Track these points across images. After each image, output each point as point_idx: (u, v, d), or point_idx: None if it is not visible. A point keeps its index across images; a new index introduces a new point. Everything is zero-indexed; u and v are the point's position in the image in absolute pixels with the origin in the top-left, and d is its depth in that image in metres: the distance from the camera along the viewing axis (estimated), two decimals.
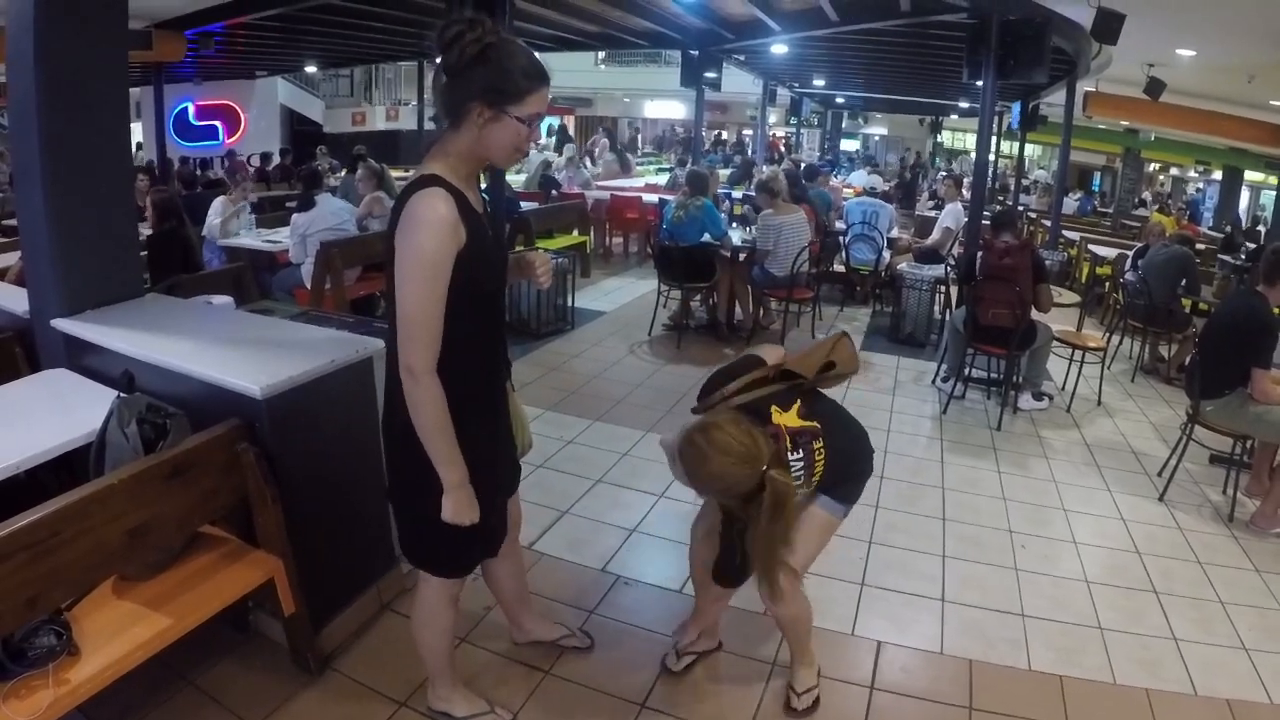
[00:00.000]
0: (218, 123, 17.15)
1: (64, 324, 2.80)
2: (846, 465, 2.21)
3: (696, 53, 10.29)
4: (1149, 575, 3.33)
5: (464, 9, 5.62)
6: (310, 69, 15.75)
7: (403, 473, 1.91)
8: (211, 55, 10.19)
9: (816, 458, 2.08)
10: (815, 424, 2.10)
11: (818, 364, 2.18)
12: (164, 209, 4.81)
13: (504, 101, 1.69)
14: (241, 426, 2.23)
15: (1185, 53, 8.87)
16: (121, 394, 2.24)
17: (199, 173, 12.25)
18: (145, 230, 4.58)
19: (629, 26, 9.68)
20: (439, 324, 1.72)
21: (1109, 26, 6.15)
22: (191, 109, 16.71)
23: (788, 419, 2.06)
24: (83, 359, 2.79)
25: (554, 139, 18.54)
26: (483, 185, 1.99)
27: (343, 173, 12.37)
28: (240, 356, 2.50)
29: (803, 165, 10.73)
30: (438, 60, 1.70)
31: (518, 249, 6.99)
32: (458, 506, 1.83)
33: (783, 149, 21.53)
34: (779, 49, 10.44)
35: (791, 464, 2.02)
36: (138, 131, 15.48)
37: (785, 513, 1.86)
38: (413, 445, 1.79)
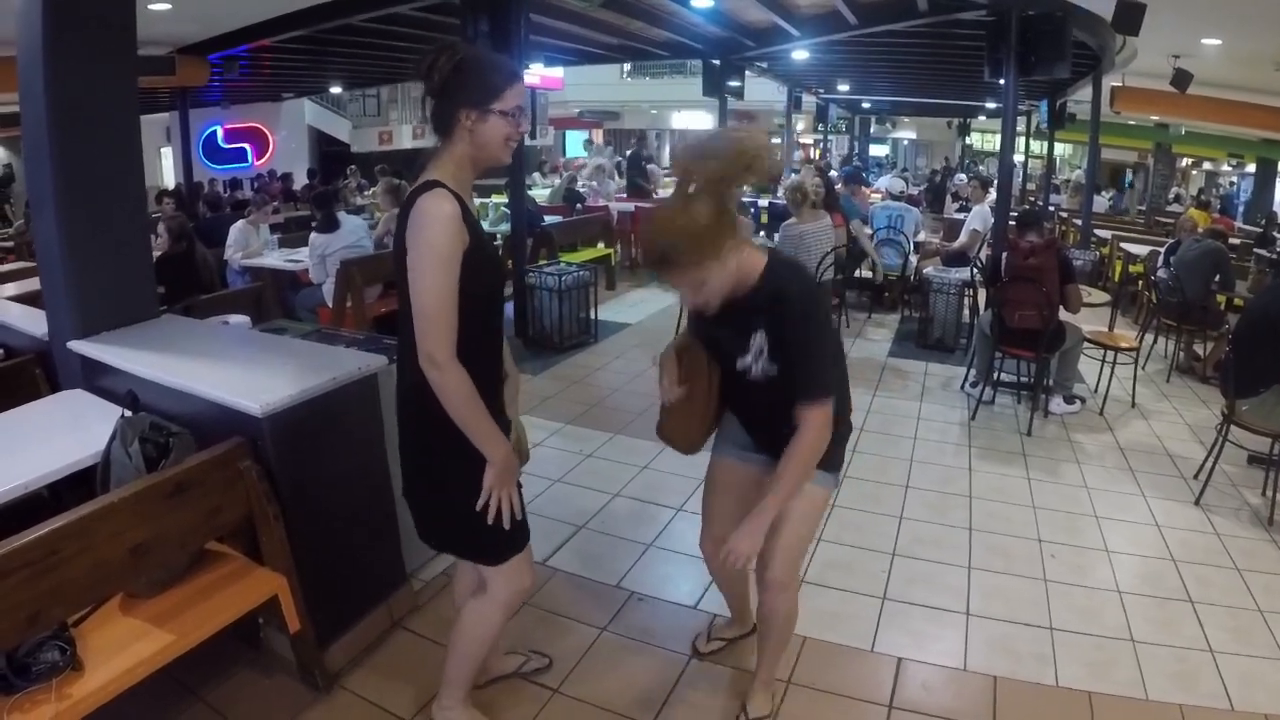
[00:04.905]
0: (246, 145, 17.48)
1: (80, 346, 2.84)
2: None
3: (718, 62, 10.27)
4: (1184, 584, 3.20)
5: (477, 24, 5.68)
6: (336, 89, 15.98)
7: (430, 474, 1.94)
8: (237, 79, 10.35)
9: None
10: None
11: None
12: (177, 233, 4.94)
13: (486, 101, 1.80)
14: (244, 445, 2.23)
15: (1210, 42, 8.68)
16: (126, 413, 2.25)
17: (227, 193, 12.49)
18: (158, 252, 4.68)
19: (649, 38, 9.69)
20: (454, 314, 1.77)
21: (1129, 17, 6.00)
22: (220, 132, 17.03)
23: None
24: (98, 380, 2.83)
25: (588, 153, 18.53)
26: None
27: (370, 191, 12.58)
28: (245, 375, 2.51)
29: (833, 172, 10.46)
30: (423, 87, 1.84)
31: (540, 262, 7.01)
32: (503, 476, 1.89)
33: (809, 156, 21.37)
34: (800, 55, 10.39)
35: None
36: (169, 156, 15.84)
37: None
38: (432, 445, 1.87)
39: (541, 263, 6.97)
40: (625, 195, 11.69)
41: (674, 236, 1.81)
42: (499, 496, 1.89)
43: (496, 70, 1.83)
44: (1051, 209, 12.18)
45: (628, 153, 17.25)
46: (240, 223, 6.94)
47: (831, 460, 2.13)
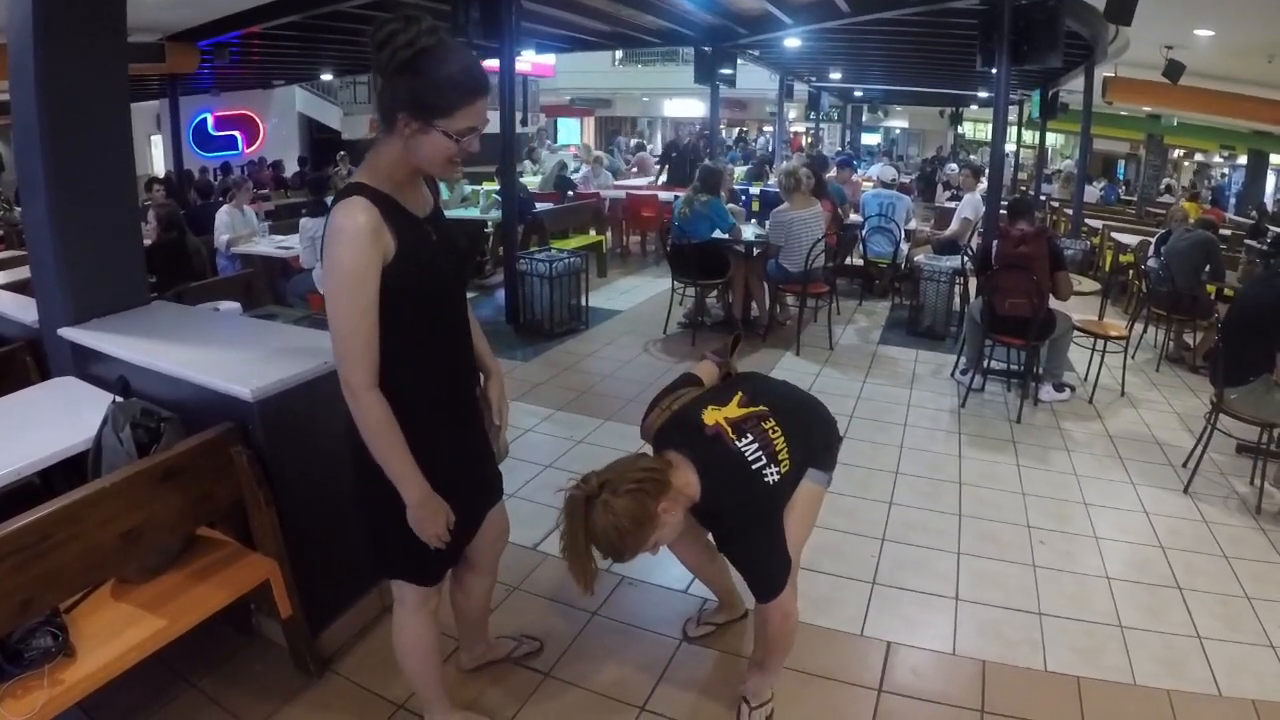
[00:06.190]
0: (237, 133, 17.37)
1: (70, 333, 2.82)
2: (811, 437, 2.24)
3: (709, 49, 10.23)
4: (1173, 571, 3.23)
5: (468, 10, 5.64)
6: (326, 76, 15.86)
7: (359, 478, 1.84)
8: (227, 66, 10.28)
9: (773, 435, 2.10)
10: (761, 408, 2.15)
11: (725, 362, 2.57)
12: (167, 221, 4.93)
13: (430, 115, 1.57)
14: (234, 429, 2.22)
15: (1203, 33, 8.70)
16: (117, 399, 2.25)
17: (217, 178, 12.41)
18: (149, 241, 4.66)
19: (640, 24, 9.65)
20: (371, 337, 1.63)
21: (1122, 7, 6.01)
22: (210, 120, 16.92)
23: (726, 412, 2.13)
24: (89, 366, 2.81)
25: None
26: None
27: None
28: (236, 360, 2.50)
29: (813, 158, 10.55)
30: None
31: (531, 249, 6.99)
32: (421, 521, 1.76)
33: (802, 145, 21.32)
34: (792, 42, 10.37)
35: (744, 448, 2.05)
36: (159, 143, 15.75)
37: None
38: (361, 452, 1.73)
39: (533, 249, 6.96)
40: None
41: (615, 542, 1.87)
42: (424, 537, 1.79)
43: (454, 85, 1.56)
44: (1043, 198, 12.20)
45: (632, 142, 17.12)
46: (225, 207, 6.94)
47: (826, 463, 2.28)
